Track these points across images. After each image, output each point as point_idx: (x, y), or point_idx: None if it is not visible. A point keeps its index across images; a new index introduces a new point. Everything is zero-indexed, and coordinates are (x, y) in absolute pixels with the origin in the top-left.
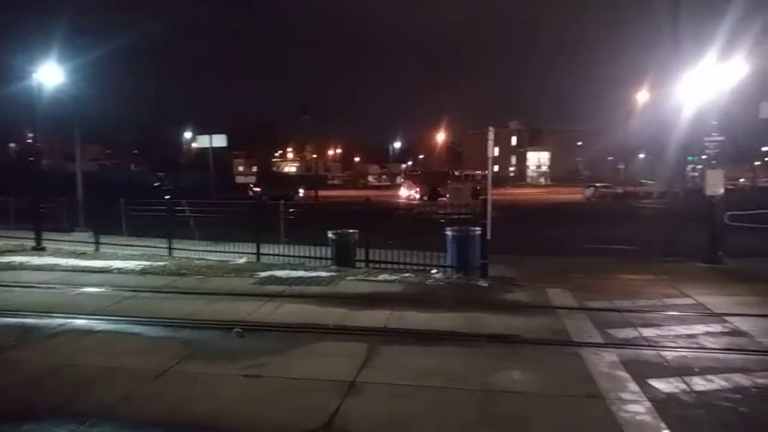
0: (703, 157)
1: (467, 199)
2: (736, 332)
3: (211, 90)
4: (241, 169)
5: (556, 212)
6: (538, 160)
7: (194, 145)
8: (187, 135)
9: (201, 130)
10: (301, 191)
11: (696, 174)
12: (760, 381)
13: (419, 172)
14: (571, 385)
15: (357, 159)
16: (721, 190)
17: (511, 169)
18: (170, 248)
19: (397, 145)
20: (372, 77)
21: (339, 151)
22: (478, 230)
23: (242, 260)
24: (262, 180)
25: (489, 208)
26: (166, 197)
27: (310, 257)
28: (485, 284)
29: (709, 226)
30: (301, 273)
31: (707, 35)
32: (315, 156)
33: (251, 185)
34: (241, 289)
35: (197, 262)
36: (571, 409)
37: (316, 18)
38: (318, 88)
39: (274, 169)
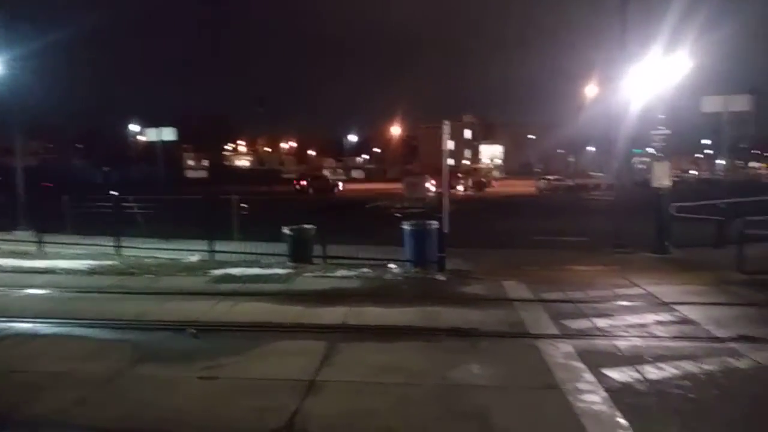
0: (648, 149)
1: (423, 193)
2: (684, 320)
3: (160, 82)
4: (191, 163)
5: (510, 205)
6: (491, 153)
7: (142, 138)
8: (135, 128)
9: (149, 123)
10: (341, 185)
11: (643, 166)
12: (707, 367)
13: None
14: (530, 377)
15: (312, 153)
16: (668, 182)
17: (465, 162)
18: (118, 247)
19: (353, 138)
20: (327, 71)
21: (293, 144)
22: (435, 224)
23: (195, 258)
24: (305, 174)
25: (446, 201)
26: (113, 193)
27: (265, 254)
28: (443, 278)
29: (656, 217)
30: (256, 270)
31: (653, 31)
32: (269, 149)
33: (296, 178)
34: (195, 288)
35: (147, 260)
36: (530, 401)
37: (269, 11)
38: (271, 81)
39: (226, 163)
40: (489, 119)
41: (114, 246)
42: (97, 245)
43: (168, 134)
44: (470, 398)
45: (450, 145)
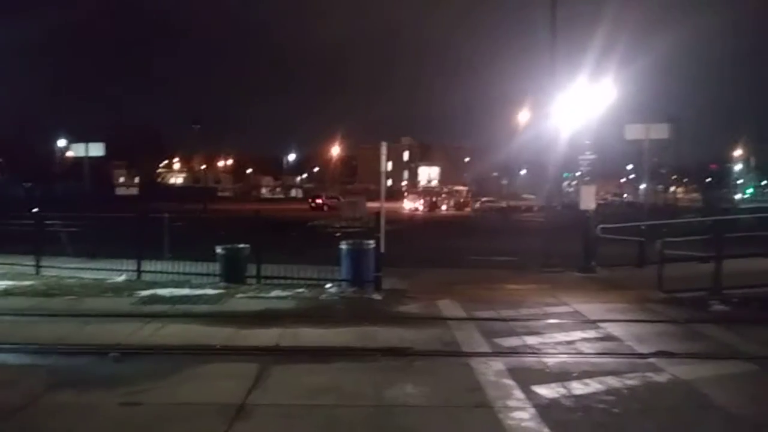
0: (577, 173)
1: (362, 213)
2: (608, 337)
3: (91, 96)
4: (122, 180)
5: (446, 225)
6: (429, 174)
7: (69, 153)
8: (61, 143)
9: (78, 138)
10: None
11: (572, 189)
12: (629, 382)
13: (420, 188)
14: (462, 396)
15: (249, 171)
16: (593, 205)
17: (404, 183)
18: (38, 266)
19: (292, 157)
20: (267, 88)
21: (230, 162)
22: (372, 243)
23: (121, 278)
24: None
25: (383, 221)
26: (34, 210)
27: (197, 274)
28: (379, 297)
29: (583, 238)
30: (186, 291)
31: (580, 62)
32: (204, 167)
33: (313, 197)
34: (120, 310)
35: (69, 281)
36: (462, 420)
37: (208, 28)
38: (209, 98)
39: (159, 180)
40: (427, 141)
41: (34, 266)
42: (15, 264)
43: (96, 150)
44: (403, 418)
45: (388, 165)
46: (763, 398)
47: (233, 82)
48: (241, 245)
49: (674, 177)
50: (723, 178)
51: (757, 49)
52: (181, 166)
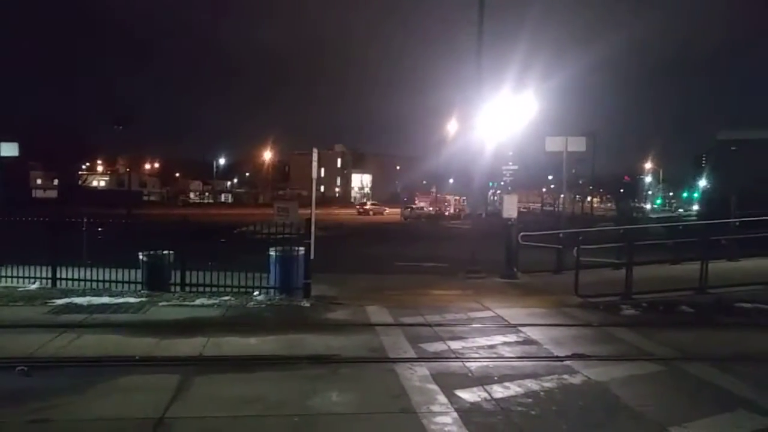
0: (501, 183)
1: (294, 218)
2: (528, 341)
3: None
4: (39, 182)
5: (377, 231)
6: (361, 182)
7: None
8: None
9: None
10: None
11: (496, 198)
12: (546, 385)
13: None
14: (387, 402)
15: (177, 174)
16: (515, 214)
17: (337, 189)
18: None
19: (222, 161)
20: (197, 91)
21: (157, 165)
22: (301, 250)
23: (34, 286)
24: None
25: (312, 228)
26: None
27: (117, 281)
28: (308, 304)
29: (505, 245)
30: (105, 299)
31: (505, 75)
32: (128, 170)
33: (361, 203)
34: (31, 320)
35: None
36: (387, 426)
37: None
38: (135, 99)
39: (81, 183)
40: (360, 149)
41: None
42: None
43: (9, 150)
44: (328, 426)
45: (321, 172)
46: (668, 397)
47: (161, 83)
48: (165, 251)
49: (591, 188)
50: (635, 190)
51: (663, 69)
52: (105, 169)
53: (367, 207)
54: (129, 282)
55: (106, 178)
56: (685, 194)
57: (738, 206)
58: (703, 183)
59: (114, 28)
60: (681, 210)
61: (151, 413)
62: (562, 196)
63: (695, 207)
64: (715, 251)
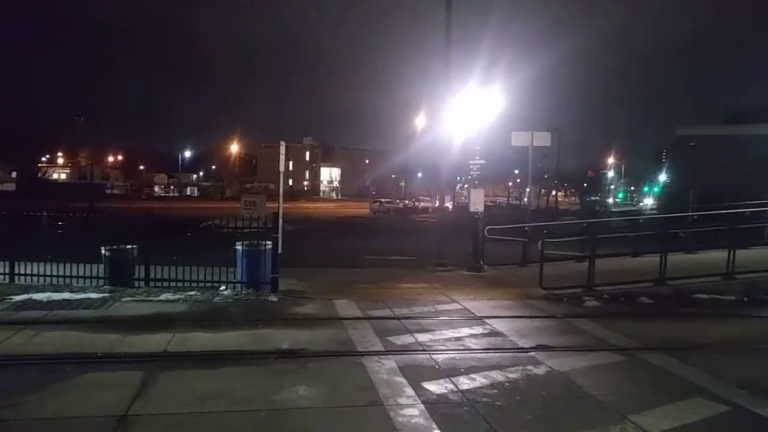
0: (469, 177)
1: (262, 212)
2: (493, 333)
3: None
4: None
5: (346, 225)
6: (330, 175)
7: None
8: None
9: None
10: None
11: (463, 192)
12: (511, 375)
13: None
14: (355, 395)
15: (141, 167)
16: (482, 207)
17: (306, 183)
18: None
19: (188, 154)
20: (162, 83)
21: (120, 158)
22: (269, 244)
23: None
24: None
25: (280, 222)
26: None
27: (79, 276)
28: (275, 299)
29: (472, 238)
30: (66, 295)
31: (473, 71)
32: (90, 162)
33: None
34: None
35: None
36: (354, 419)
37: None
38: (97, 91)
39: (41, 175)
40: (329, 142)
41: None
42: None
43: None
44: (295, 421)
45: (289, 165)
46: (628, 386)
47: (127, 74)
48: (128, 246)
49: (555, 182)
50: (598, 184)
51: (625, 67)
52: (66, 161)
53: (383, 202)
54: (91, 277)
55: (67, 171)
56: (645, 188)
57: (696, 200)
58: (663, 177)
59: (78, 16)
60: (642, 203)
61: (114, 411)
62: (527, 190)
63: (648, 201)
64: (674, 244)
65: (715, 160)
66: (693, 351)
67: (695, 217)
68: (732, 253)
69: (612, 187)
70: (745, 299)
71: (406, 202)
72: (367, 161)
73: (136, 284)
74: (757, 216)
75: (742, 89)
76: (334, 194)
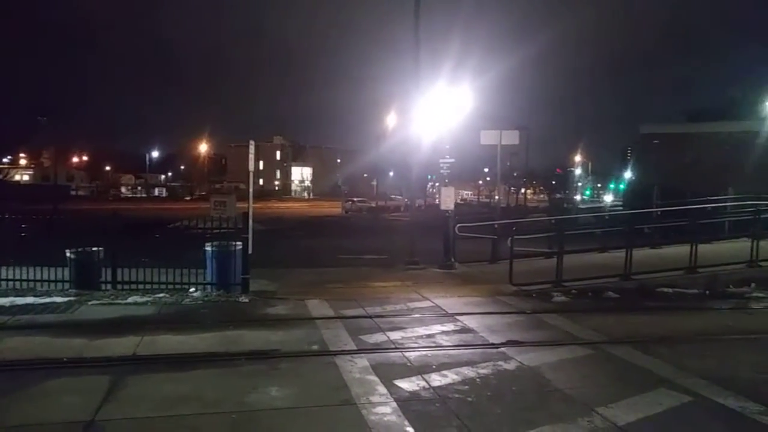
0: (440, 174)
1: (232, 212)
2: (464, 329)
3: None
4: None
5: (318, 225)
6: (301, 174)
7: None
8: None
9: None
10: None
11: (435, 190)
12: (482, 372)
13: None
14: (327, 395)
15: (108, 168)
16: (452, 206)
17: (276, 182)
18: None
19: (155, 154)
20: (130, 83)
21: (85, 158)
22: (239, 245)
23: None
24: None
25: (250, 222)
26: None
27: (43, 280)
28: (246, 300)
29: (443, 236)
30: (30, 299)
31: (442, 70)
32: (53, 163)
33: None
34: None
35: None
36: (327, 419)
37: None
38: (62, 90)
39: (2, 177)
40: (300, 141)
41: None
42: None
43: None
44: (267, 422)
45: (259, 165)
46: (595, 379)
47: (92, 74)
48: (95, 248)
49: (524, 180)
50: (566, 181)
51: (593, 66)
52: (28, 162)
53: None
54: (56, 281)
55: (30, 172)
56: (611, 185)
57: (659, 196)
58: (628, 174)
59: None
60: (608, 200)
61: (81, 416)
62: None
63: (608, 198)
64: (639, 239)
65: (677, 158)
66: (657, 343)
67: (659, 212)
68: (694, 247)
69: (579, 184)
70: (707, 292)
71: (379, 201)
72: (338, 160)
73: (103, 287)
74: (717, 211)
75: (703, 89)
76: (305, 194)
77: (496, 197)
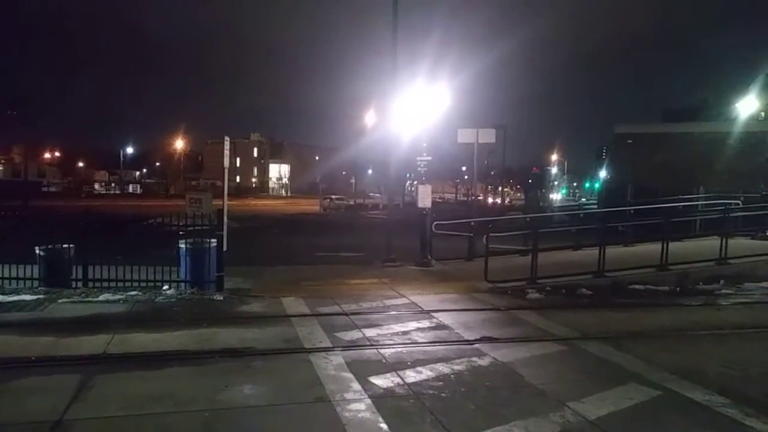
0: (418, 172)
1: (207, 209)
2: (440, 326)
3: None
4: None
5: (295, 222)
6: (279, 172)
7: None
8: None
9: None
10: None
11: (412, 189)
12: (456, 367)
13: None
14: (301, 392)
15: (81, 164)
16: (429, 204)
17: (254, 180)
18: None
19: (130, 150)
20: (104, 78)
21: (57, 154)
22: (214, 242)
23: None
24: None
25: (225, 219)
26: None
27: (11, 278)
28: (221, 297)
29: (420, 234)
30: None
31: (420, 68)
32: (24, 159)
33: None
34: None
35: None
36: (301, 416)
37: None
38: (32, 85)
39: None
40: (277, 139)
41: None
42: None
43: None
44: (239, 420)
45: (236, 162)
46: (567, 374)
47: (64, 69)
48: (65, 245)
49: (502, 179)
50: (542, 180)
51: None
52: None
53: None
54: (24, 278)
55: (0, 168)
56: (587, 184)
57: (633, 195)
58: (603, 174)
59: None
60: (584, 199)
61: (48, 416)
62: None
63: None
64: (613, 237)
65: (651, 157)
66: (628, 339)
67: (632, 211)
68: (666, 245)
69: (555, 183)
70: (678, 289)
71: (358, 199)
72: (317, 158)
73: (74, 285)
74: (689, 210)
75: (676, 89)
76: (283, 191)
77: (480, 196)
